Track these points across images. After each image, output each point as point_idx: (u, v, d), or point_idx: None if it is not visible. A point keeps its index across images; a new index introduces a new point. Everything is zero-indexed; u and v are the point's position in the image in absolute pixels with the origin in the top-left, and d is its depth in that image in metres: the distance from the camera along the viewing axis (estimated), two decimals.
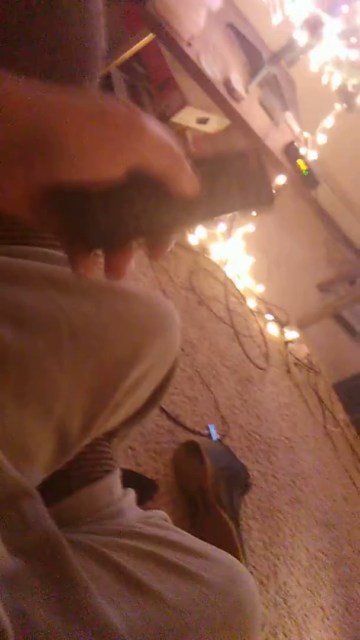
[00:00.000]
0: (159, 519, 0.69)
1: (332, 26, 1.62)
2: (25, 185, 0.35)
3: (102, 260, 0.40)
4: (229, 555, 0.65)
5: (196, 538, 0.66)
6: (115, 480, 0.69)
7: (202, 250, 1.96)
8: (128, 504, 0.68)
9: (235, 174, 0.41)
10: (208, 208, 0.41)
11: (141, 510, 0.71)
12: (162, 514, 0.73)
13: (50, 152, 0.33)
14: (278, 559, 1.52)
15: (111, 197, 0.37)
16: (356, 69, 1.74)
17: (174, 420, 1.45)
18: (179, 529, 0.67)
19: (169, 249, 0.41)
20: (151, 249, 0.40)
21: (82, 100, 0.34)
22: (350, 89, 1.72)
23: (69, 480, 0.64)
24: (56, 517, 0.55)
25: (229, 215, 0.46)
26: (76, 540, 0.55)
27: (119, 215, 0.38)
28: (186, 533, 0.67)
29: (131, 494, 0.72)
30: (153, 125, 0.36)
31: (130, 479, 1.21)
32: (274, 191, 0.43)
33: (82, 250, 0.38)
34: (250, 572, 1.45)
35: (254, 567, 1.46)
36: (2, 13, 0.46)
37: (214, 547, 0.65)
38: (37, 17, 0.46)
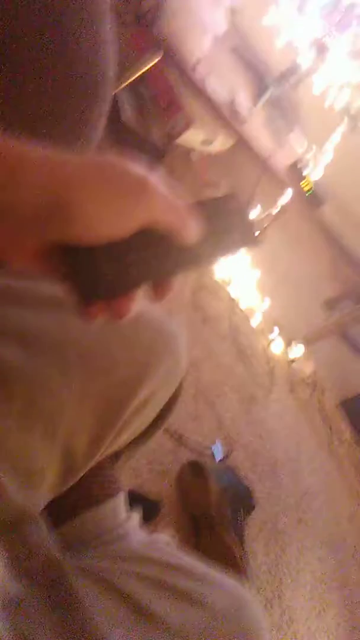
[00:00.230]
0: (164, 543, 0.68)
1: (338, 49, 1.65)
2: (35, 242, 0.36)
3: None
4: (234, 579, 0.64)
5: (200, 562, 0.65)
6: (119, 503, 0.68)
7: (206, 268, 1.96)
8: (133, 527, 0.68)
9: (223, 219, 0.44)
10: (205, 254, 0.43)
11: (146, 533, 0.70)
12: (166, 537, 0.72)
13: (62, 215, 0.34)
14: (282, 582, 1.50)
15: (118, 251, 0.39)
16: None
17: (178, 440, 1.44)
18: (183, 553, 0.67)
19: (171, 292, 0.43)
20: (155, 293, 0.42)
21: (91, 163, 0.36)
22: (354, 111, 1.73)
23: (74, 503, 0.64)
24: (61, 540, 0.54)
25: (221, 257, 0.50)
26: (80, 565, 0.55)
27: (126, 268, 0.40)
28: (190, 556, 0.66)
29: (136, 516, 0.72)
30: (159, 184, 0.38)
31: (133, 499, 1.20)
32: (256, 231, 0.46)
33: (89, 300, 0.39)
34: (254, 595, 1.43)
35: (258, 590, 1.44)
36: (11, 39, 0.47)
37: (218, 571, 0.65)
38: (47, 43, 0.47)
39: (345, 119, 1.74)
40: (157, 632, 0.51)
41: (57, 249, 0.37)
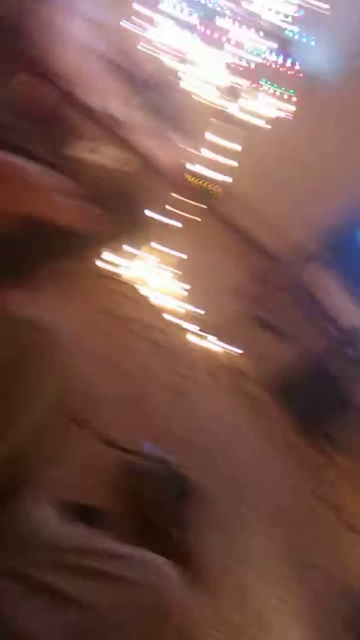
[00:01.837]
0: (81, 531, 0.70)
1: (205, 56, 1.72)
2: None
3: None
4: (151, 554, 0.67)
5: (119, 544, 0.68)
6: (32, 500, 0.69)
7: (119, 273, 1.98)
8: (49, 521, 0.69)
9: (111, 210, 0.45)
10: (97, 240, 0.45)
11: (63, 526, 0.71)
12: (85, 527, 0.74)
13: None
14: (236, 564, 1.53)
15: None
16: (240, 92, 1.85)
17: (112, 444, 1.45)
18: (101, 538, 0.69)
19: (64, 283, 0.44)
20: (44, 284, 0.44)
21: None
22: (236, 111, 1.82)
23: None
24: None
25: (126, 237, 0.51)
26: None
27: (8, 258, 0.41)
28: (109, 540, 0.68)
29: (54, 511, 0.73)
30: (33, 174, 0.39)
31: (74, 509, 1.20)
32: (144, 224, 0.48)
33: None
34: (212, 583, 1.45)
35: (214, 578, 1.46)
36: None
37: (139, 549, 0.67)
38: None
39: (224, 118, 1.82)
40: (74, 612, 0.53)
41: None
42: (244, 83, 1.81)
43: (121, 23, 1.75)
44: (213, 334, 2.16)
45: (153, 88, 1.88)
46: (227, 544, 1.54)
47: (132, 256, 1.91)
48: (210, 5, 1.73)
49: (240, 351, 2.21)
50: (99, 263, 1.89)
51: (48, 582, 0.54)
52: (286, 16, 1.77)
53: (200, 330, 2.15)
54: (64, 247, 0.45)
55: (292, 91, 1.95)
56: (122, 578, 0.58)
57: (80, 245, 0.45)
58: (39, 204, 0.40)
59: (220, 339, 2.18)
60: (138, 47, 1.72)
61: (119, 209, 0.47)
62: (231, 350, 2.23)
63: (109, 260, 1.90)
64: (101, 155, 1.85)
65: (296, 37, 1.83)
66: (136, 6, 1.73)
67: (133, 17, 1.74)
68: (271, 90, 1.91)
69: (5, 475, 0.65)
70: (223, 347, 2.20)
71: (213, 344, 2.19)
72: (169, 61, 1.80)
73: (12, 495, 0.67)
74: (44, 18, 1.48)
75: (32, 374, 0.62)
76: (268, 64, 1.87)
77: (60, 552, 0.59)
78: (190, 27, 1.73)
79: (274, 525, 1.78)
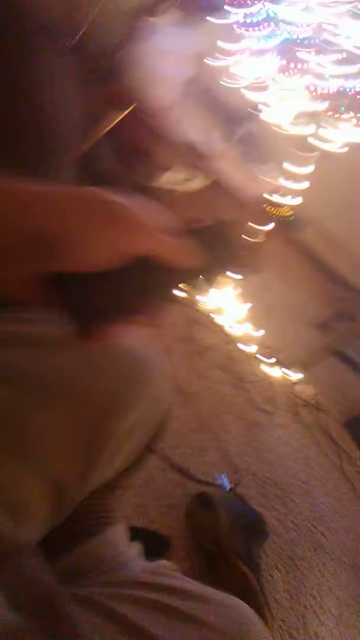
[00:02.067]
0: (164, 568, 0.69)
1: (291, 86, 1.73)
2: (31, 273, 0.39)
3: None
4: (237, 599, 0.64)
5: (202, 584, 0.65)
6: (117, 532, 0.69)
7: (195, 301, 2.00)
8: (132, 556, 0.68)
9: (217, 246, 0.46)
10: (200, 279, 0.46)
11: (146, 561, 0.71)
12: (168, 563, 0.73)
13: (51, 246, 0.37)
14: (306, 609, 1.47)
15: (108, 279, 0.41)
16: (318, 119, 1.84)
17: (184, 473, 1.44)
18: (184, 577, 0.67)
19: (163, 317, 0.45)
20: (147, 319, 0.45)
21: (77, 200, 0.39)
22: (313, 138, 1.81)
23: (70, 534, 0.65)
24: (60, 572, 0.56)
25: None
26: (80, 594, 0.56)
27: (117, 294, 0.42)
28: (192, 580, 0.66)
29: (136, 546, 0.72)
30: (142, 213, 0.41)
31: (143, 536, 1.20)
32: (252, 258, 0.49)
33: (83, 327, 0.42)
34: (279, 626, 1.40)
35: (282, 620, 1.41)
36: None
37: (221, 592, 0.65)
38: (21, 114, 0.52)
39: (306, 146, 1.81)
40: None
41: (53, 282, 0.40)
42: (325, 111, 1.79)
43: (205, 59, 1.80)
44: (293, 369, 2.12)
45: (236, 120, 1.90)
46: (302, 588, 1.48)
47: (214, 285, 1.92)
48: (292, 36, 1.74)
49: (323, 389, 2.16)
50: (179, 292, 1.91)
51: (130, 617, 0.53)
52: None
53: (280, 363, 2.12)
54: (164, 282, 0.46)
55: None
56: (209, 622, 0.55)
57: (179, 280, 0.46)
58: (144, 241, 0.41)
59: (301, 373, 2.13)
60: (221, 81, 1.76)
61: (212, 242, 0.47)
62: (311, 386, 2.17)
63: (187, 289, 1.91)
64: (188, 187, 1.90)
65: None
66: (219, 42, 1.77)
67: (216, 53, 1.79)
68: (352, 118, 1.89)
69: (97, 505, 0.66)
70: (302, 382, 2.15)
71: (292, 379, 2.14)
72: (250, 93, 1.82)
73: (93, 524, 0.68)
74: (134, 56, 1.55)
75: (141, 406, 0.63)
76: (349, 92, 1.86)
77: (144, 588, 0.58)
78: (271, 59, 1.75)
79: (353, 575, 1.69)
